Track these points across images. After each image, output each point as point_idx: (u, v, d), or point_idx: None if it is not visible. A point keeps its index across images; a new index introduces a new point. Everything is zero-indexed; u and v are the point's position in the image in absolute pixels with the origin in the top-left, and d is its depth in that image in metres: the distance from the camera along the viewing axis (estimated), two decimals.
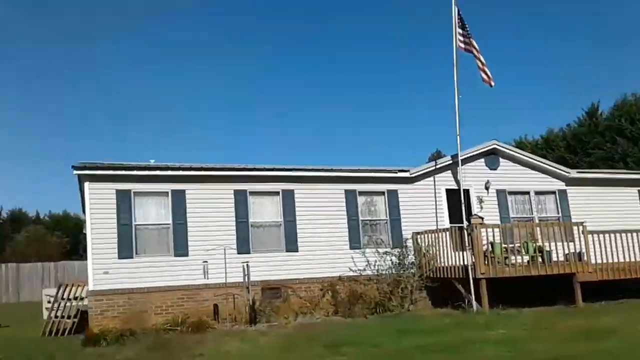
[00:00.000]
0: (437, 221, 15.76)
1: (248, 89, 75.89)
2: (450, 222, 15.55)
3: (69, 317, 13.48)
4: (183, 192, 13.90)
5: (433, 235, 14.87)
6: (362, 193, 15.63)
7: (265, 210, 14.71)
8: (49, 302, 14.96)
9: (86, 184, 13.19)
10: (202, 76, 72.99)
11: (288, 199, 14.83)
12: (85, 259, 13.67)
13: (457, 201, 15.17)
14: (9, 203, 76.99)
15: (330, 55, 72.51)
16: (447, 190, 16.24)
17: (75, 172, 13.00)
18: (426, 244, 15.01)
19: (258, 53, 71.61)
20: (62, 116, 73.87)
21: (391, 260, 15.08)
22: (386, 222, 15.66)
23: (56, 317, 13.43)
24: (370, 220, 15.63)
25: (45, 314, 15.00)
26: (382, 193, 15.84)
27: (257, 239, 14.39)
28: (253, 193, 14.57)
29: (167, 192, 13.80)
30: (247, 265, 13.43)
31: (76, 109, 72.29)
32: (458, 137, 14.71)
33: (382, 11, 65.30)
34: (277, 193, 14.81)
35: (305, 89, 76.85)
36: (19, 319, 17.56)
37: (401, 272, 14.82)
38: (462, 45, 14.88)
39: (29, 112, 72.70)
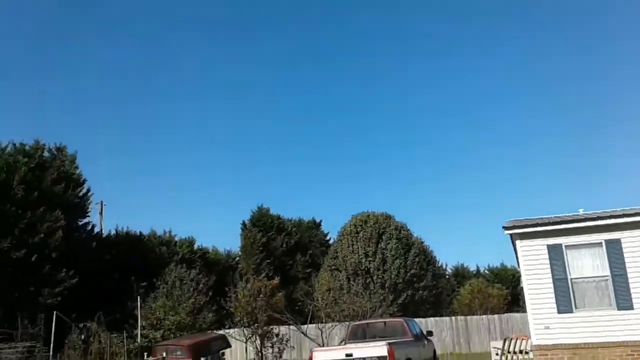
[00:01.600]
0: None
1: None
2: None
3: None
4: (618, 240, 13.05)
5: None
6: None
7: None
8: (496, 354, 15.90)
9: (517, 242, 13.78)
10: None
11: None
12: (526, 310, 14.08)
13: None
14: (452, 259, 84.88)
15: None
16: None
17: (506, 232, 13.76)
18: None
19: None
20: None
21: None
22: None
23: None
24: None
25: None
26: None
27: None
28: None
29: (601, 243, 13.18)
30: None
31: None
32: None
33: None
34: None
35: None
36: None
37: None
38: None
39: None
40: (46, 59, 68.99)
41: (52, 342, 16.86)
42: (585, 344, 12.62)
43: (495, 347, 17.01)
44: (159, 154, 79.59)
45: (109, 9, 70.56)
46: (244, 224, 43.34)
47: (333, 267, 35.78)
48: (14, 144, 30.34)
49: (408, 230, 37.66)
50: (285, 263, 42.13)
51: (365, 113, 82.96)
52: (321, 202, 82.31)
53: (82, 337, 16.75)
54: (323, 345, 25.68)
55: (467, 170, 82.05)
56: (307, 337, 28.44)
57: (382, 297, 30.57)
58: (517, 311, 34.16)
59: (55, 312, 18.43)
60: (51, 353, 15.92)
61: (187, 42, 79.46)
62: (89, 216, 34.10)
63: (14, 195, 27.39)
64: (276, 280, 33.36)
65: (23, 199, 27.65)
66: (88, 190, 33.37)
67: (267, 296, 30.59)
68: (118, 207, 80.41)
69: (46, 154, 31.68)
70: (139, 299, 23.95)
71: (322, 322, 28.43)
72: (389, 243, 35.48)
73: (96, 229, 36.07)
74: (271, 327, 30.21)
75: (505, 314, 31.24)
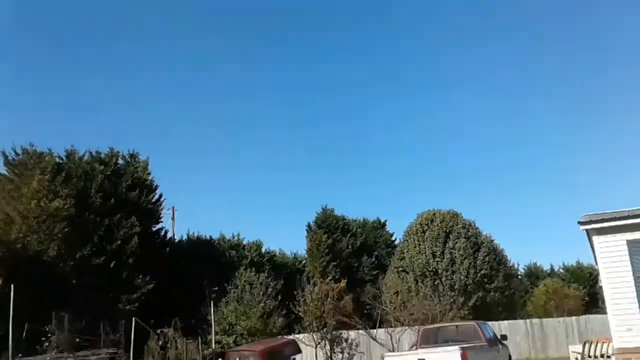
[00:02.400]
0: None
1: None
2: None
3: None
4: None
5: None
6: None
7: None
8: (576, 359, 15.27)
9: (594, 238, 13.15)
10: None
11: None
12: (605, 311, 13.45)
13: None
14: (524, 258, 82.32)
15: None
16: None
17: (581, 227, 13.17)
18: None
19: None
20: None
21: None
22: None
23: None
24: None
25: None
26: None
27: None
28: None
29: None
30: None
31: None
32: None
33: None
34: None
35: None
36: None
37: None
38: None
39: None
40: (114, 57, 71.93)
41: (131, 348, 17.61)
42: None
43: (574, 352, 16.36)
44: (225, 155, 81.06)
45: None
46: (309, 225, 43.67)
47: (400, 269, 35.46)
48: (91, 153, 31.77)
49: (476, 228, 36.77)
50: (352, 265, 42.14)
51: (424, 101, 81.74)
52: (385, 201, 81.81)
53: (160, 343, 17.41)
54: (393, 351, 25.49)
55: (538, 161, 79.21)
56: (377, 341, 28.33)
57: (452, 300, 30.04)
58: (597, 312, 32.72)
59: (134, 319, 19.21)
60: (131, 359, 16.64)
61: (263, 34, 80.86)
62: (162, 221, 35.14)
63: (92, 203, 28.72)
64: (343, 283, 33.43)
65: (101, 206, 28.93)
66: (160, 196, 34.26)
67: (335, 299, 30.71)
68: (186, 211, 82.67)
69: (120, 161, 32.92)
70: (211, 305, 24.55)
71: (391, 326, 28.21)
72: (456, 242, 34.80)
73: (169, 235, 37.29)
74: (340, 331, 30.32)
75: (584, 316, 30.00)
